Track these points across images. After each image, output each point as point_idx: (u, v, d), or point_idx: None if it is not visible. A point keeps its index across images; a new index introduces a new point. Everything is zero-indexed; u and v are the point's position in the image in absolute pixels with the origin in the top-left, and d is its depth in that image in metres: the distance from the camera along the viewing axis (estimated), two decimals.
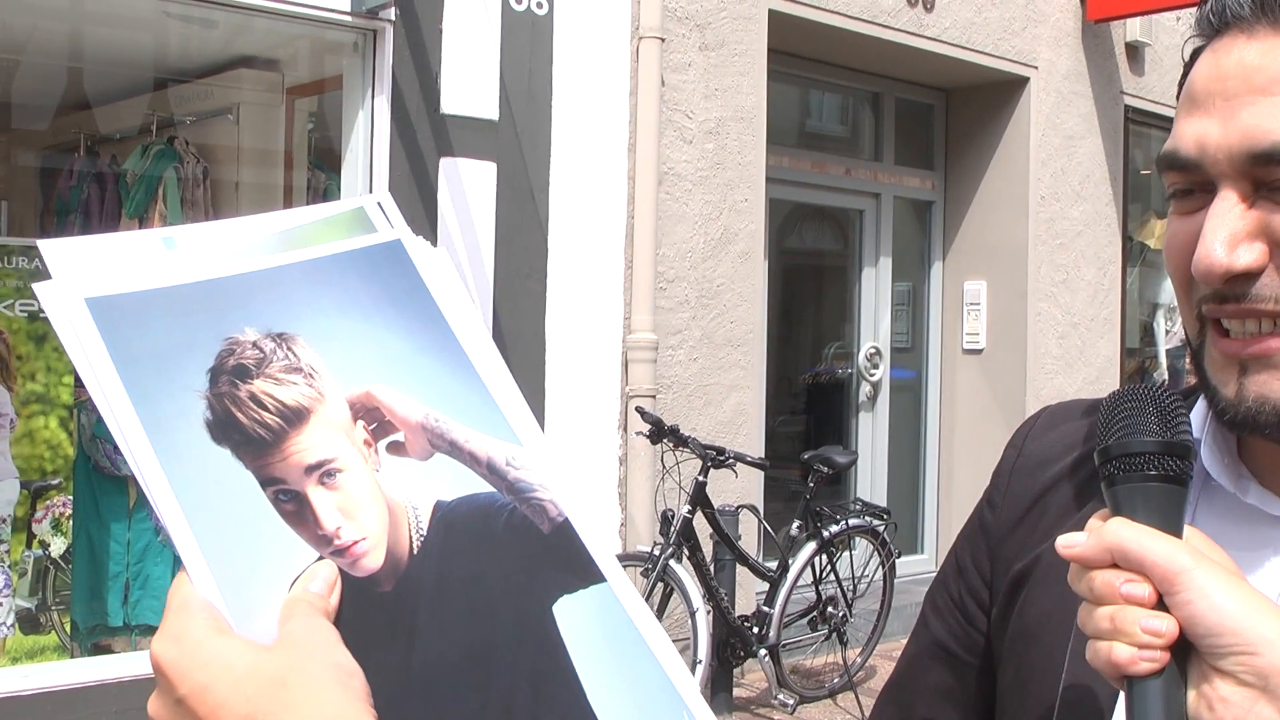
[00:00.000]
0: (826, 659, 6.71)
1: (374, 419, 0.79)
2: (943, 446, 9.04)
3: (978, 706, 1.13)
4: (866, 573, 6.68)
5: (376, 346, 0.81)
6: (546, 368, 6.06)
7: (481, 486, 0.80)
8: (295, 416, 0.76)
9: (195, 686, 0.69)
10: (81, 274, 0.75)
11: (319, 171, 6.37)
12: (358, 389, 0.79)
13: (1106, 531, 0.82)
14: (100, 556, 5.36)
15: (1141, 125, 9.60)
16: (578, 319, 6.20)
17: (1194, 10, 0.96)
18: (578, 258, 6.20)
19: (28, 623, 5.07)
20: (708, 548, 5.97)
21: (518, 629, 0.78)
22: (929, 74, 8.56)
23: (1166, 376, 10.15)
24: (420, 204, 5.57)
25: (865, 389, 8.69)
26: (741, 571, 6.24)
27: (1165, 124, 9.67)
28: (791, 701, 6.08)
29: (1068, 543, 0.84)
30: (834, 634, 6.46)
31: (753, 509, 6.39)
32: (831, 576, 6.41)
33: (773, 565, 6.28)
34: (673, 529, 5.63)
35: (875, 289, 8.74)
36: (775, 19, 7.05)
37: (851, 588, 6.56)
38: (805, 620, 6.48)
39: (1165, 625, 0.78)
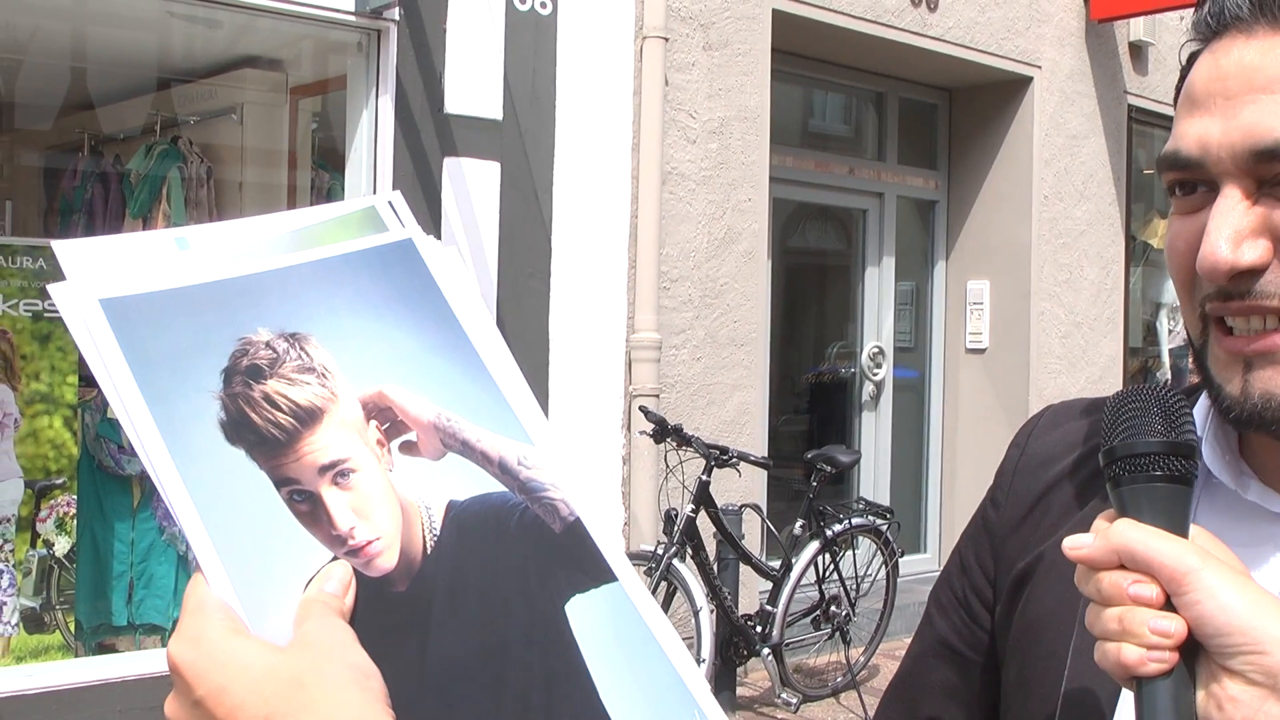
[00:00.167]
0: (830, 658, 6.71)
1: (387, 419, 0.80)
2: (946, 446, 9.04)
3: (982, 704, 1.13)
4: (869, 572, 6.68)
5: (388, 346, 0.82)
6: (550, 367, 6.06)
7: (494, 486, 0.81)
8: (309, 417, 0.77)
9: (213, 688, 0.69)
10: (95, 275, 0.76)
11: (323, 171, 6.37)
12: (370, 389, 0.80)
13: (1113, 533, 0.82)
14: (104, 556, 5.37)
15: (1145, 125, 9.59)
16: (581, 318, 6.20)
17: None
18: (581, 257, 6.21)
19: (32, 622, 5.07)
20: (711, 547, 5.98)
21: (531, 629, 0.78)
22: (932, 74, 8.56)
23: (1170, 376, 10.14)
24: (424, 204, 5.58)
25: (868, 388, 8.69)
26: (745, 570, 6.24)
27: (1169, 123, 9.60)
28: (795, 700, 6.08)
29: (1074, 544, 0.84)
30: (837, 633, 6.47)
31: (756, 508, 6.39)
32: (835, 575, 6.41)
33: (776, 564, 6.28)
34: (676, 528, 5.63)
35: (878, 288, 8.74)
36: (779, 19, 7.05)
37: (855, 587, 6.56)
38: (808, 619, 6.48)
39: (1174, 626, 0.78)
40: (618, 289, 6.35)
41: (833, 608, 6.46)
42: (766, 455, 6.67)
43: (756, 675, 6.65)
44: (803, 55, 7.79)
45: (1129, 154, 9.41)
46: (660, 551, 5.55)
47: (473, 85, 5.79)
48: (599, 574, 0.81)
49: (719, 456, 5.79)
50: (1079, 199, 9.00)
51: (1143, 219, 9.91)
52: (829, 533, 6.28)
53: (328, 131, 6.41)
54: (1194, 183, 0.92)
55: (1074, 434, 1.11)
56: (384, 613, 0.75)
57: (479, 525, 0.80)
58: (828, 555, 6.33)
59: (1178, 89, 0.97)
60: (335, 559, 0.75)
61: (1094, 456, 0.93)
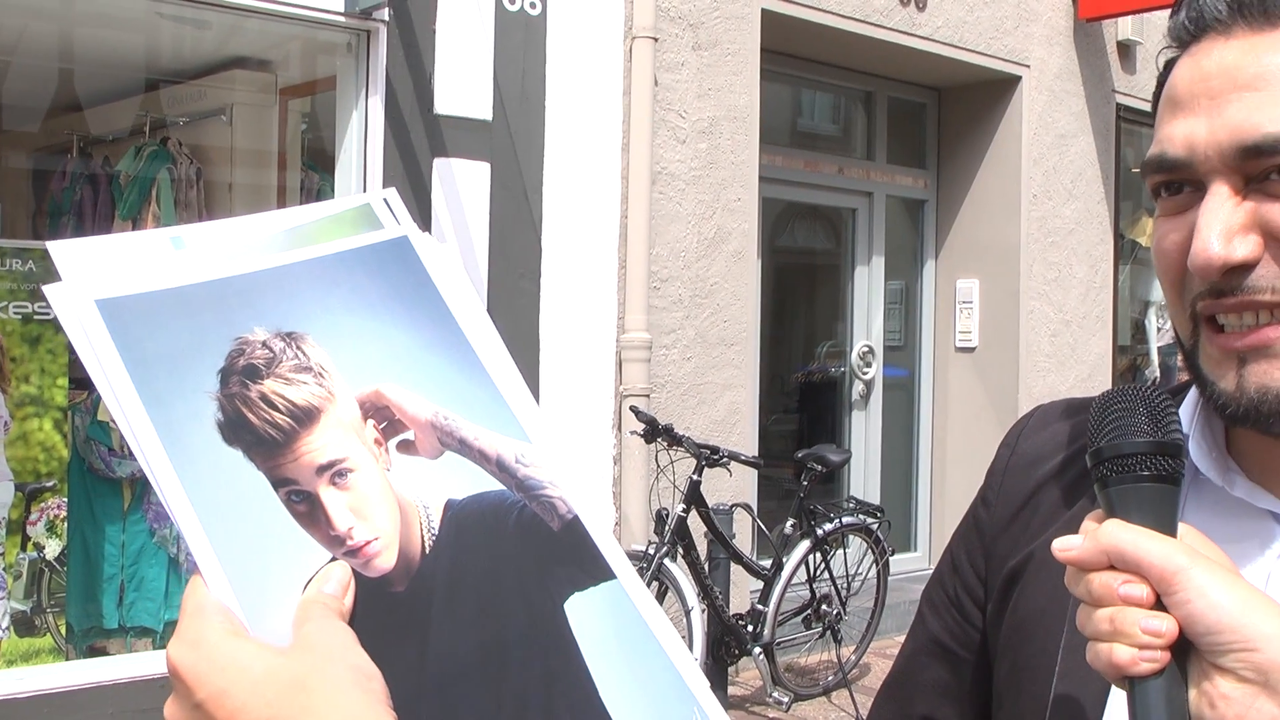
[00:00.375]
0: (821, 657, 6.72)
1: (384, 418, 0.80)
2: (935, 444, 9.05)
3: (974, 702, 1.14)
4: (860, 570, 6.69)
5: (385, 344, 0.81)
6: (541, 368, 6.06)
7: (491, 484, 0.81)
8: (306, 416, 0.77)
9: (213, 691, 0.69)
10: (91, 275, 0.75)
11: (313, 172, 6.37)
12: (367, 388, 0.80)
13: (1102, 534, 0.82)
14: (95, 559, 5.35)
15: (1133, 123, 9.62)
16: (572, 319, 6.21)
17: None
18: (571, 257, 6.21)
19: (22, 625, 5.06)
20: (702, 546, 5.98)
21: (530, 627, 0.78)
22: (921, 73, 8.58)
23: (1159, 374, 10.17)
24: (414, 204, 5.57)
25: (858, 387, 8.70)
26: (736, 570, 6.25)
27: None
28: (786, 699, 6.09)
29: (1064, 546, 0.84)
30: (828, 632, 6.48)
31: (747, 508, 6.40)
32: (825, 574, 6.42)
33: (767, 563, 6.29)
34: (667, 528, 5.63)
35: (868, 287, 8.76)
36: (768, 18, 7.06)
37: (845, 585, 6.57)
38: (800, 618, 6.49)
39: (1165, 625, 0.79)
40: (608, 289, 6.35)
41: (824, 606, 6.47)
42: (757, 455, 6.68)
43: (748, 674, 6.66)
44: (792, 55, 7.80)
45: (1117, 153, 9.44)
46: (651, 551, 5.55)
47: (462, 86, 5.79)
48: (598, 572, 0.81)
49: (710, 456, 5.79)
50: (1068, 198, 9.03)
51: (1131, 217, 9.94)
52: (820, 532, 6.29)
53: (317, 132, 6.40)
54: (1180, 184, 0.93)
55: (1063, 434, 1.12)
56: (383, 613, 0.75)
57: (477, 524, 0.79)
58: (819, 554, 6.34)
59: (1155, 96, 0.98)
60: (334, 559, 0.75)
61: (1082, 456, 0.94)
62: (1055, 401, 1.18)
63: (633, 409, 6.06)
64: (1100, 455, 0.86)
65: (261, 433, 0.75)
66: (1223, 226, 0.88)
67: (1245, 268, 0.89)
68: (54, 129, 6.85)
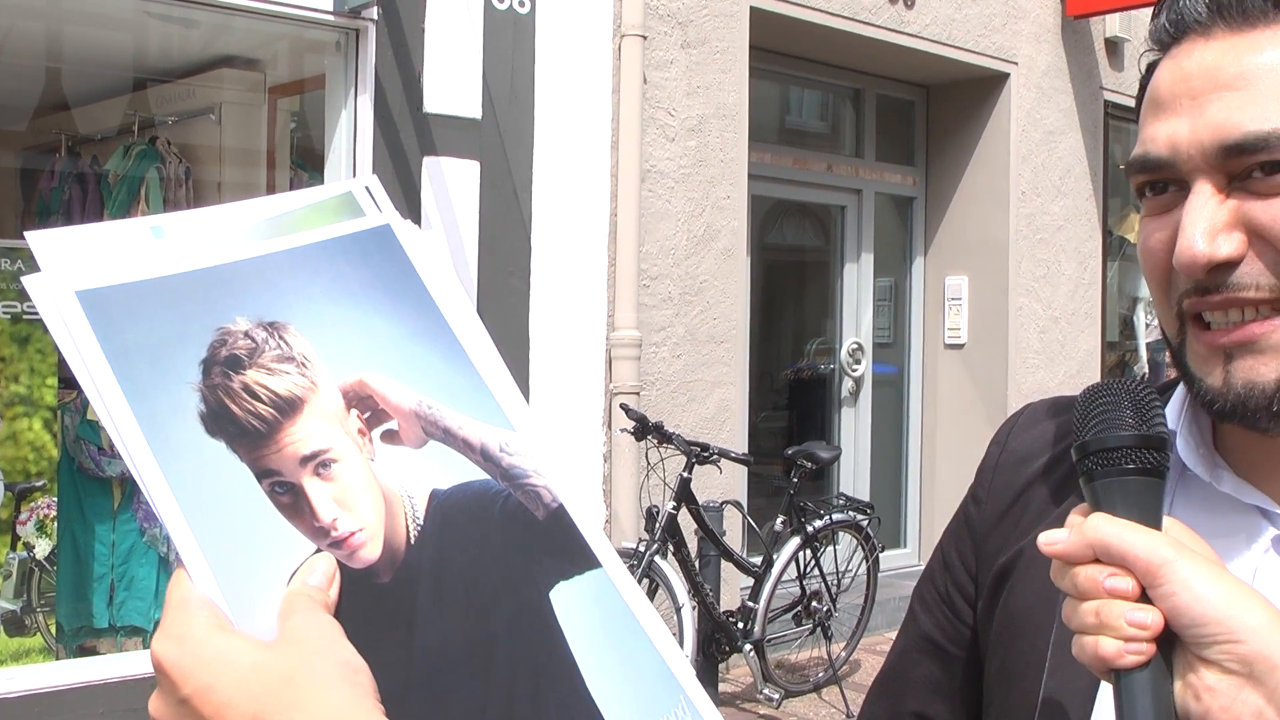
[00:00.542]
0: (811, 653, 6.73)
1: (367, 407, 0.79)
2: (925, 441, 9.07)
3: (965, 698, 1.15)
4: (850, 567, 6.71)
5: (368, 333, 0.81)
6: (530, 366, 6.07)
7: (476, 473, 0.80)
8: (289, 407, 0.76)
9: (199, 686, 0.68)
10: (71, 266, 0.74)
11: (302, 171, 6.36)
12: (350, 377, 0.79)
13: (1087, 527, 0.83)
14: (85, 558, 5.35)
15: (1121, 120, 9.64)
16: (561, 317, 6.21)
17: None
18: (561, 256, 6.21)
19: (13, 625, 5.05)
20: (692, 544, 5.99)
21: (516, 617, 0.78)
22: (910, 70, 8.59)
23: (1147, 370, 10.20)
24: (404, 203, 5.57)
25: (847, 384, 8.72)
26: (726, 567, 6.26)
27: None
28: (776, 696, 6.10)
29: (1049, 540, 0.84)
30: (818, 628, 6.49)
31: (737, 505, 6.41)
32: (815, 571, 6.43)
33: (757, 560, 6.30)
34: (658, 525, 5.64)
35: (857, 285, 8.77)
36: (757, 16, 7.07)
37: (835, 582, 6.59)
38: (790, 615, 6.50)
39: (1150, 617, 0.79)
40: (598, 287, 6.36)
41: (814, 603, 6.48)
42: (747, 452, 6.69)
43: (738, 671, 6.67)
44: (781, 53, 7.81)
45: (1105, 149, 9.46)
46: (642, 549, 5.56)
47: (452, 84, 5.79)
48: (583, 560, 0.81)
49: (700, 453, 5.80)
50: (1056, 194, 9.05)
51: (1119, 214, 9.96)
52: (810, 529, 6.30)
53: (306, 131, 6.40)
54: (1164, 183, 0.93)
55: (1053, 431, 1.13)
56: (369, 605, 0.74)
57: (462, 514, 0.79)
58: (809, 551, 6.35)
59: (1138, 98, 0.99)
60: (318, 551, 0.74)
61: (1071, 453, 0.94)
62: (1045, 399, 1.19)
63: (623, 407, 6.07)
64: (1085, 449, 0.86)
65: (244, 424, 0.74)
66: (1207, 225, 0.89)
67: (1230, 265, 0.90)
68: (42, 128, 6.83)
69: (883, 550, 6.94)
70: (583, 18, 6.27)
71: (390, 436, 0.79)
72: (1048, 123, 8.96)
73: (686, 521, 5.88)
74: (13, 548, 5.02)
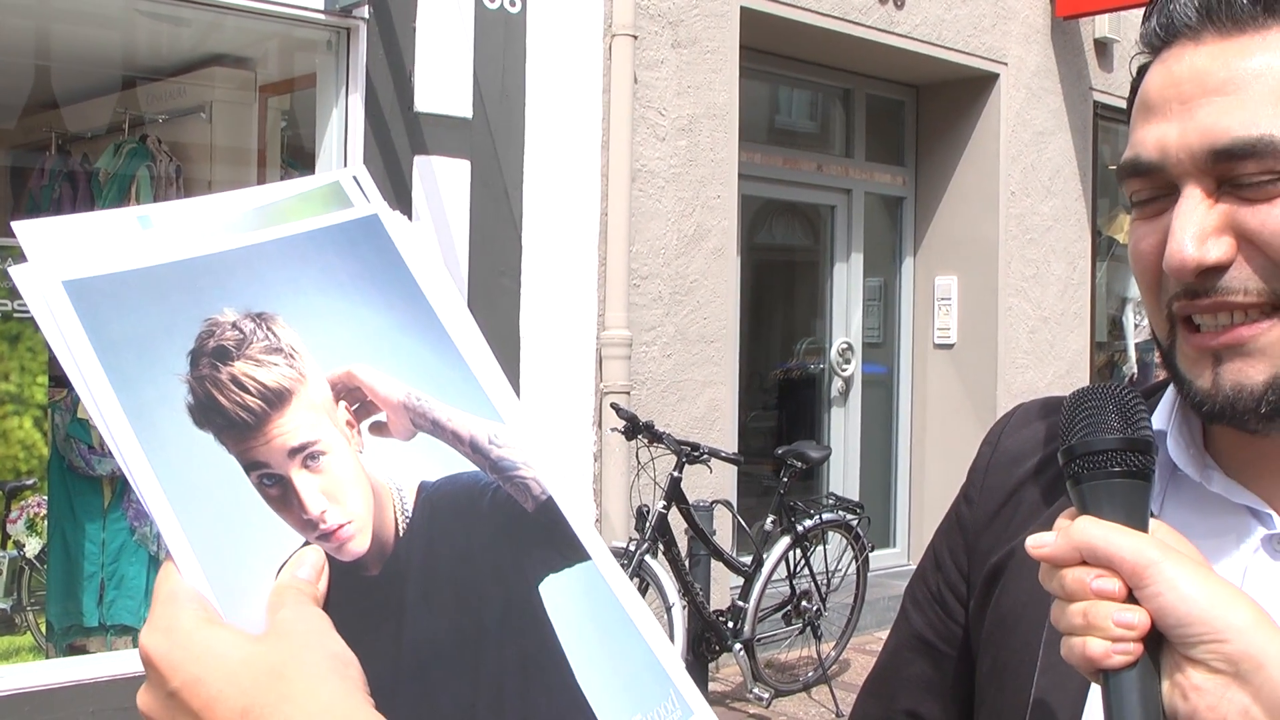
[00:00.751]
0: (801, 653, 6.74)
1: (356, 399, 0.79)
2: (914, 441, 9.09)
3: (957, 697, 1.16)
4: (840, 566, 6.71)
5: (356, 324, 0.80)
6: (521, 365, 6.07)
7: (465, 466, 0.80)
8: (277, 398, 0.75)
9: (188, 679, 0.68)
10: (58, 256, 0.74)
11: (292, 170, 6.36)
12: (338, 369, 0.79)
13: (1074, 530, 0.84)
14: (75, 557, 5.34)
15: (1110, 121, 9.67)
16: (552, 316, 6.21)
17: None
18: (552, 255, 6.21)
19: (2, 623, 5.05)
20: (683, 543, 5.99)
21: (505, 610, 0.78)
22: (900, 70, 8.60)
23: (1136, 370, 10.23)
24: (395, 202, 5.55)
25: (837, 384, 8.73)
26: (716, 566, 6.26)
27: None
28: (766, 695, 6.11)
29: (1037, 543, 0.85)
30: (808, 628, 6.49)
31: (727, 504, 6.41)
32: (805, 571, 6.44)
33: (747, 560, 6.31)
34: (648, 524, 5.65)
35: (847, 284, 8.78)
36: (747, 16, 7.08)
37: (825, 582, 6.59)
38: (780, 614, 6.50)
39: (1137, 618, 0.80)
40: (588, 286, 6.36)
41: (804, 603, 6.49)
42: (737, 451, 6.70)
43: (728, 670, 6.68)
44: (771, 53, 7.82)
45: (1095, 150, 9.48)
46: (632, 548, 5.56)
47: (442, 83, 5.79)
48: (572, 553, 0.81)
49: (690, 453, 5.81)
50: (1045, 195, 9.07)
51: (1108, 214, 9.99)
52: (800, 528, 6.31)
53: (297, 130, 6.39)
54: (1154, 187, 0.94)
55: (1044, 431, 1.13)
56: (357, 598, 0.74)
57: (451, 506, 0.79)
58: (798, 550, 6.36)
59: (1129, 100, 1.00)
60: (307, 544, 0.74)
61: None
62: (1037, 399, 1.20)
63: (613, 406, 6.07)
64: (1072, 453, 0.87)
65: (232, 415, 0.74)
66: (1196, 229, 0.90)
67: (1219, 269, 0.90)
68: (32, 126, 6.82)
69: (872, 550, 6.95)
70: (573, 17, 6.28)
71: (379, 428, 0.79)
72: (1037, 123, 8.98)
73: (677, 521, 5.88)
74: (3, 546, 5.01)
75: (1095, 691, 0.94)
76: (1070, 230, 9.29)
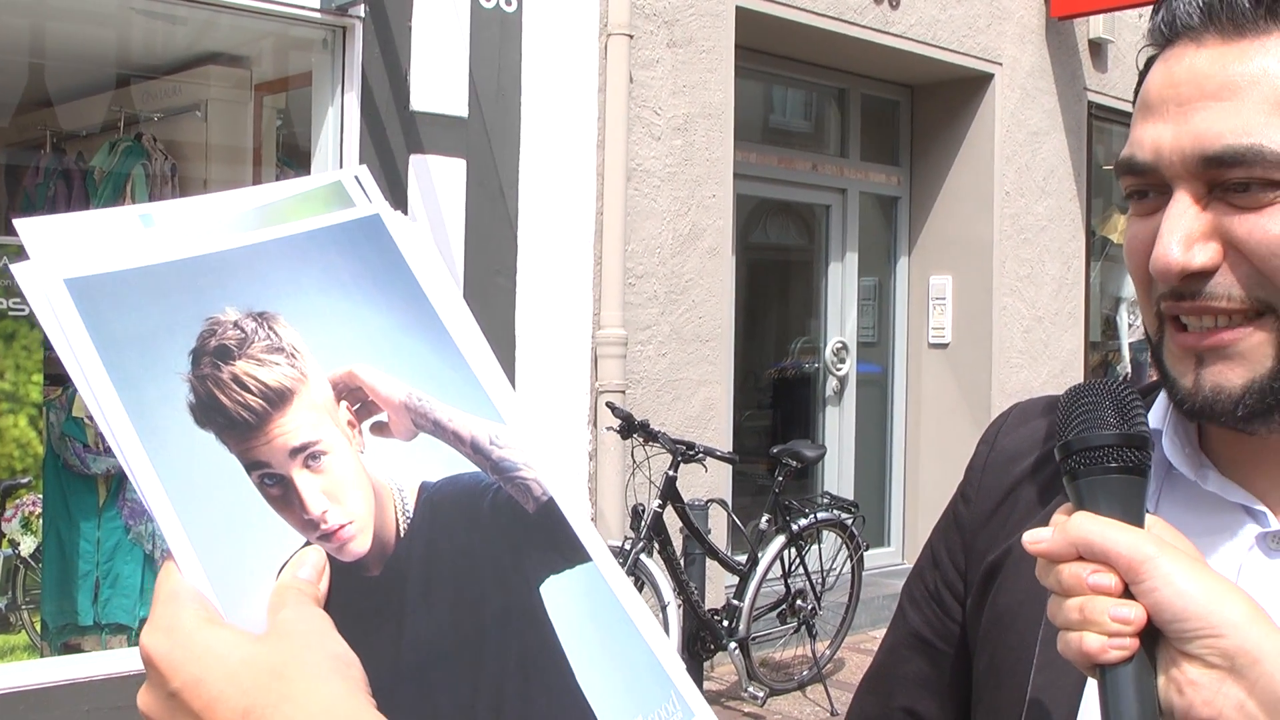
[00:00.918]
0: (795, 651, 6.75)
1: (357, 399, 0.79)
2: (909, 440, 9.10)
3: (954, 694, 1.16)
4: (835, 565, 6.72)
5: (357, 324, 0.80)
6: (517, 364, 6.07)
7: (466, 466, 0.80)
8: (278, 398, 0.75)
9: (189, 679, 0.68)
10: (60, 254, 0.74)
11: (287, 168, 6.35)
12: (340, 369, 0.78)
13: (1071, 526, 0.84)
14: (70, 555, 5.33)
15: (1104, 121, 9.68)
16: (547, 315, 6.22)
17: None
18: (547, 254, 6.22)
19: None
20: (678, 542, 6.00)
21: (506, 611, 0.78)
22: (895, 71, 8.61)
23: (1130, 370, 10.25)
24: (390, 201, 5.53)
25: (832, 383, 8.74)
26: (711, 565, 6.27)
27: (1127, 120, 9.68)
28: (761, 694, 6.12)
29: (1033, 539, 0.86)
30: (803, 627, 6.50)
31: (722, 503, 6.42)
32: (800, 570, 6.45)
33: (742, 559, 6.32)
34: (643, 523, 5.65)
35: (841, 284, 8.79)
36: (743, 16, 7.08)
37: (820, 581, 6.60)
38: (774, 613, 6.52)
39: (1133, 613, 0.80)
40: (583, 285, 6.37)
41: (798, 602, 6.50)
42: (732, 450, 6.71)
43: (723, 669, 6.68)
44: (766, 52, 7.82)
45: (1089, 150, 9.50)
46: (627, 547, 5.56)
47: (438, 82, 5.79)
48: (573, 554, 0.81)
49: (685, 452, 5.81)
50: (1040, 195, 9.09)
51: (1102, 214, 10.01)
52: (795, 527, 6.32)
53: (292, 129, 6.38)
54: (1149, 186, 0.95)
55: (1042, 430, 1.14)
56: (358, 598, 0.74)
57: (452, 507, 0.79)
58: (793, 550, 6.37)
59: (1136, 93, 1.00)
60: (308, 544, 0.73)
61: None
62: (1034, 398, 1.21)
63: (609, 405, 6.08)
64: (1069, 448, 0.88)
65: (234, 415, 0.74)
66: (1183, 234, 0.91)
67: (1205, 274, 0.91)
68: (27, 124, 6.81)
69: (867, 549, 6.96)
70: (569, 16, 6.28)
71: (380, 428, 0.79)
72: (1032, 123, 9.00)
73: (672, 520, 5.89)
74: None
75: (1091, 688, 0.94)
76: (1065, 230, 9.30)
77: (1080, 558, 0.83)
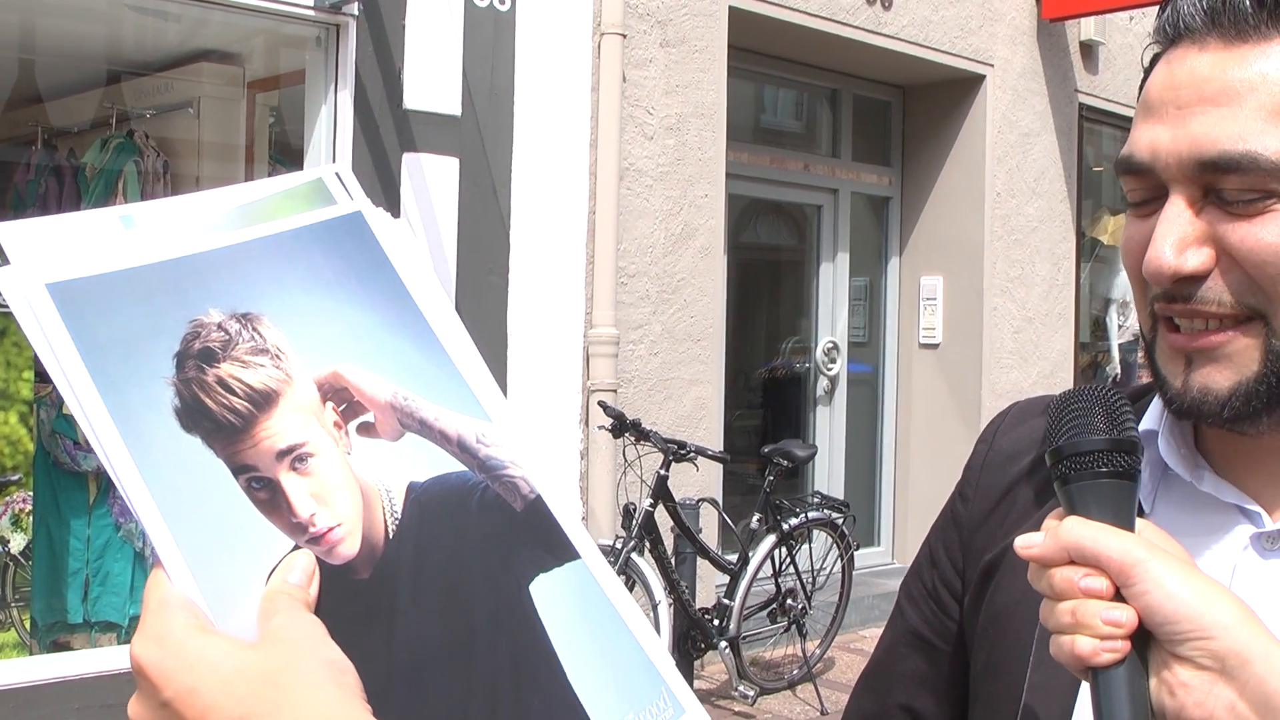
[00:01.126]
0: (786, 651, 6.76)
1: (343, 400, 0.78)
2: (899, 440, 9.11)
3: (951, 691, 1.17)
4: (825, 565, 6.73)
5: (342, 324, 0.80)
6: (509, 362, 6.07)
7: (453, 465, 0.80)
8: (264, 400, 0.74)
9: (182, 689, 0.67)
10: (41, 258, 0.73)
11: (280, 166, 6.34)
12: (325, 369, 0.78)
13: (1062, 531, 0.85)
14: (60, 553, 5.33)
15: (1095, 123, 9.71)
16: (540, 314, 6.22)
17: (1147, 10, 1.00)
18: (540, 253, 6.22)
19: None
20: (669, 541, 6.00)
21: (496, 611, 0.77)
22: (887, 71, 8.62)
23: (1119, 371, 10.27)
24: (383, 199, 5.57)
25: (823, 383, 8.75)
26: (702, 564, 6.28)
27: (1118, 121, 9.79)
28: (751, 693, 6.12)
29: (1025, 543, 0.86)
30: (793, 626, 6.51)
31: (713, 502, 6.43)
32: (791, 569, 6.46)
33: (733, 558, 6.32)
34: (634, 522, 5.66)
35: (833, 284, 8.80)
36: (735, 16, 7.09)
37: (810, 580, 6.61)
38: (765, 612, 6.52)
39: (1125, 615, 0.81)
40: (576, 284, 6.37)
41: (789, 601, 6.51)
42: (723, 450, 6.72)
43: (714, 668, 6.69)
44: (759, 52, 7.83)
45: (1080, 151, 9.52)
46: (619, 546, 5.57)
47: (432, 81, 5.79)
48: (562, 552, 0.81)
49: (677, 451, 5.82)
50: (1031, 196, 9.10)
51: (1092, 216, 10.03)
52: (785, 526, 6.33)
53: (285, 126, 6.37)
54: (1147, 187, 0.96)
55: (1039, 430, 1.14)
56: (348, 601, 0.73)
57: (440, 506, 0.78)
58: (784, 549, 6.38)
59: (1140, 89, 1.00)
60: (296, 548, 0.73)
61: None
62: (1033, 398, 1.22)
63: (600, 404, 6.08)
64: (1059, 454, 0.88)
65: (219, 418, 0.73)
66: (1176, 237, 0.91)
67: (1197, 278, 0.92)
68: (17, 120, 6.78)
69: (857, 548, 6.97)
70: (562, 16, 6.28)
71: (366, 429, 0.78)
72: (1023, 124, 9.01)
73: (663, 519, 5.89)
74: None
75: (1086, 686, 0.95)
76: (1055, 231, 9.32)
77: (1072, 562, 0.84)
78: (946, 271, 8.87)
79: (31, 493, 5.09)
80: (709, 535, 6.53)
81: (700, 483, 6.63)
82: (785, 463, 6.35)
